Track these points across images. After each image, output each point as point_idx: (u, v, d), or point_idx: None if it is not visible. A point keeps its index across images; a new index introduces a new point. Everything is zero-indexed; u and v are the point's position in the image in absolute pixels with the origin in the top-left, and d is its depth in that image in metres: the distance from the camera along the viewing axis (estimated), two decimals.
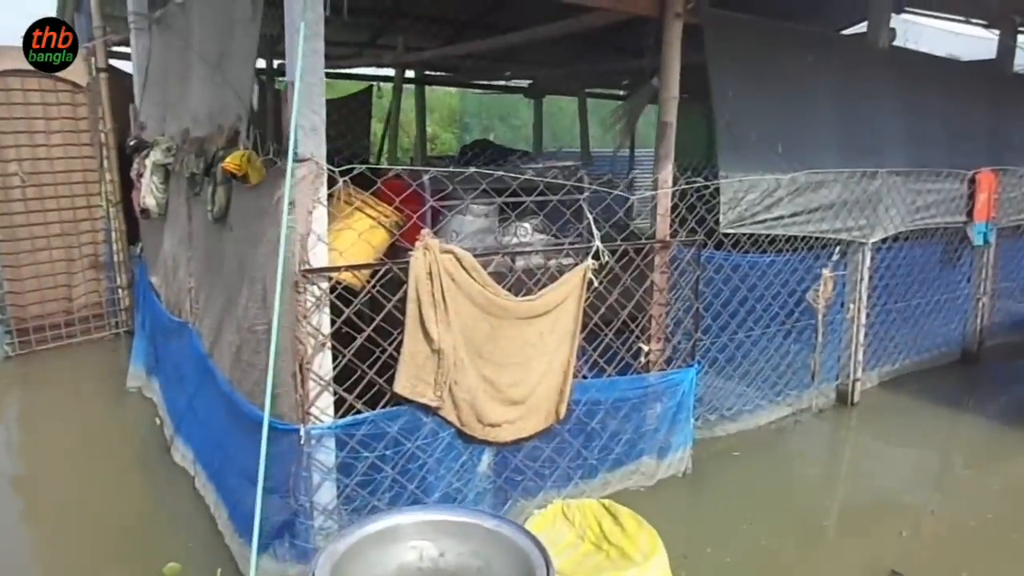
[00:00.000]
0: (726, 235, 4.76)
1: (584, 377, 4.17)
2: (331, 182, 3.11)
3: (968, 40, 8.14)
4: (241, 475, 3.57)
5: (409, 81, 10.57)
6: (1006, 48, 7.07)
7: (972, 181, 6.69)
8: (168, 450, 4.63)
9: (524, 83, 11.64)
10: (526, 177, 3.61)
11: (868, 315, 6.07)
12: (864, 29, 6.14)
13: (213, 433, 3.96)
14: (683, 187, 4.36)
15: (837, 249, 5.56)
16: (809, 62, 5.22)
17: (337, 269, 3.15)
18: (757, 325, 5.17)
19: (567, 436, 4.08)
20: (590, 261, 3.91)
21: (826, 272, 5.40)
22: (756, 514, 4.33)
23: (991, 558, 3.97)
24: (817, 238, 5.38)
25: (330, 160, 3.14)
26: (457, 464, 3.71)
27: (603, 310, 4.11)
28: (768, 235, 5.05)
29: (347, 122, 9.10)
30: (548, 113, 15.56)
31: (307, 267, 3.04)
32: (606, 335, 4.17)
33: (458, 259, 3.47)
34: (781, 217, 5.03)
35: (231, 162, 3.32)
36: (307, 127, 2.98)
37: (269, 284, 3.19)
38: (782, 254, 5.16)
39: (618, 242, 4.09)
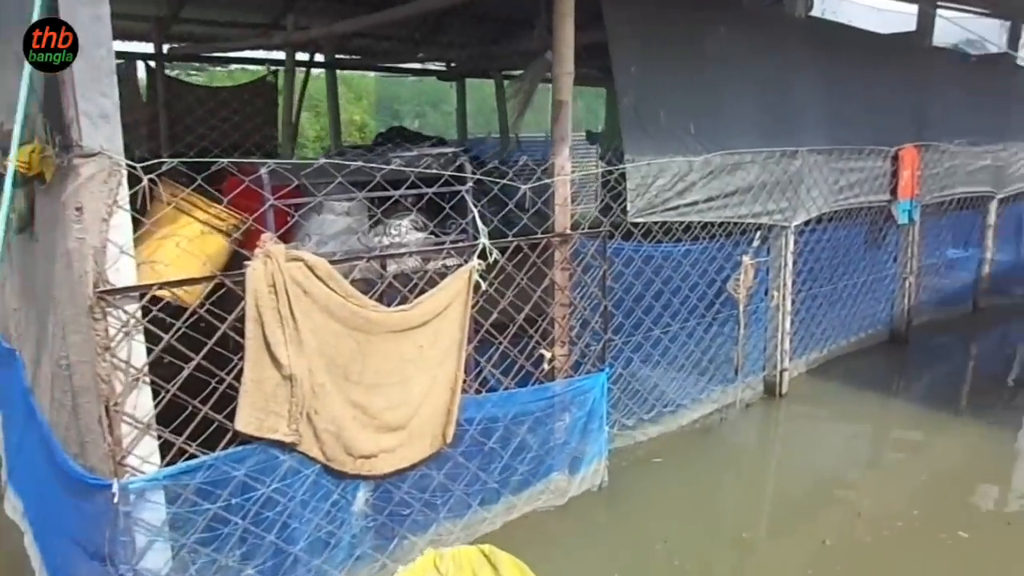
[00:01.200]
0: (635, 224, 4.33)
1: (478, 392, 3.69)
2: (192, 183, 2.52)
3: (887, 16, 7.92)
4: (63, 536, 3.00)
5: (318, 65, 9.89)
6: (925, 19, 6.84)
7: (895, 158, 6.45)
8: (1, 499, 3.98)
9: (442, 66, 11.09)
10: (392, 168, 3.09)
11: (794, 302, 5.77)
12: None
13: (37, 484, 3.34)
14: (581, 174, 3.90)
15: (758, 234, 5.21)
16: (721, 33, 4.82)
17: (146, 288, 2.58)
18: (675, 320, 4.78)
19: (461, 459, 3.60)
20: (476, 261, 3.42)
21: (746, 259, 5.04)
22: (674, 529, 3.95)
23: (915, 563, 3.67)
24: (736, 224, 5.02)
25: (226, 154, 2.56)
26: (326, 505, 3.19)
27: (495, 315, 3.63)
28: (682, 222, 4.66)
29: (245, 113, 8.35)
30: (481, 98, 15.04)
31: (105, 287, 2.46)
32: (501, 343, 3.70)
33: (310, 267, 2.93)
34: (695, 202, 4.64)
35: (20, 159, 2.71)
36: (94, 114, 2.40)
37: (65, 307, 2.61)
38: (698, 242, 4.78)
39: (509, 238, 3.61)
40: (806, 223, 5.69)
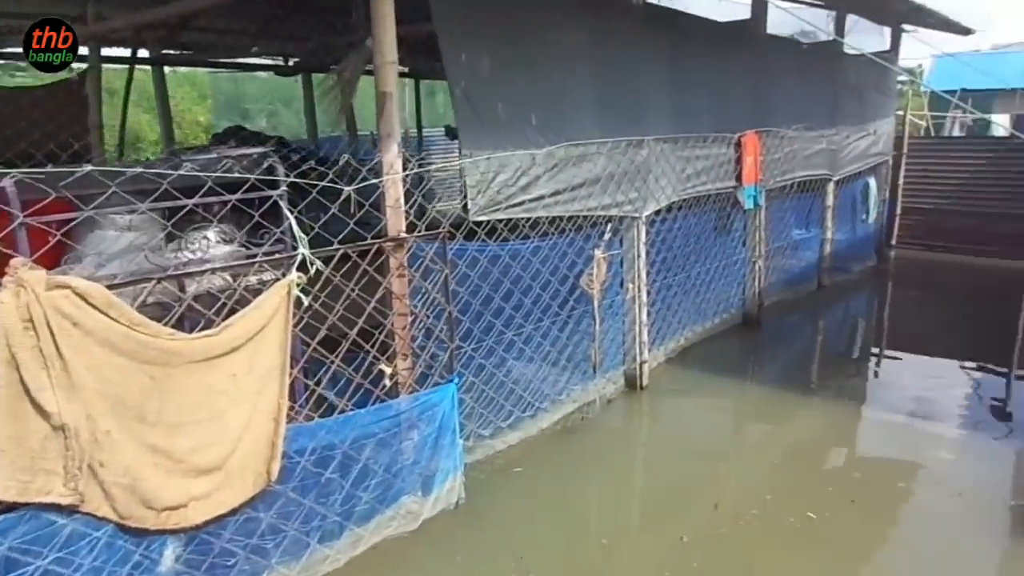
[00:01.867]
0: (478, 223, 4.09)
1: (310, 418, 3.33)
2: None
3: (724, 3, 8.11)
4: None
5: (142, 61, 9.01)
6: (759, 7, 7.03)
7: (738, 145, 6.60)
8: None
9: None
10: (181, 174, 2.66)
11: (649, 292, 5.75)
12: None
13: None
14: (414, 172, 3.61)
15: (609, 227, 5.12)
16: (558, 20, 4.66)
17: None
18: (528, 320, 4.59)
19: (294, 495, 3.23)
20: (295, 274, 3.06)
21: (598, 253, 4.93)
22: (532, 541, 3.77)
23: (768, 550, 3.67)
24: (585, 217, 4.90)
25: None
26: (126, 570, 2.74)
27: (323, 332, 3.28)
28: (529, 219, 4.47)
29: (51, 116, 7.41)
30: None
31: None
32: (332, 362, 3.35)
33: (80, 295, 2.47)
34: (541, 197, 4.46)
35: None
36: None
37: None
38: (547, 238, 4.61)
39: (335, 246, 3.26)
40: (657, 213, 5.68)
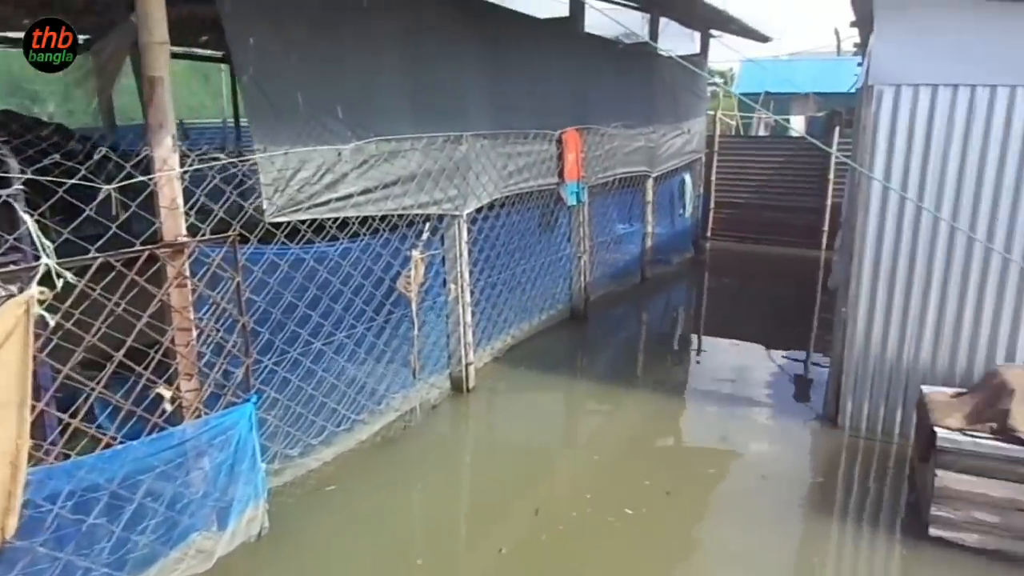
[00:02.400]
0: (277, 225, 3.73)
1: (66, 456, 2.84)
2: None
3: (544, 3, 8.14)
4: None
5: None
6: (577, 5, 7.10)
7: (559, 141, 6.63)
8: None
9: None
10: None
11: (473, 292, 5.62)
12: None
13: None
14: (194, 168, 3.19)
15: (427, 226, 4.91)
16: (366, 7, 4.36)
17: None
18: (339, 328, 4.28)
19: (44, 550, 2.74)
20: (35, 289, 2.57)
21: (416, 254, 4.71)
22: (343, 569, 3.50)
23: (586, 552, 3.64)
24: (401, 216, 4.65)
25: None
26: None
27: (79, 355, 2.80)
28: (337, 219, 4.15)
29: None
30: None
31: None
32: (93, 390, 2.88)
33: None
34: (350, 196, 4.16)
35: None
36: None
37: None
38: (358, 240, 4.31)
39: (91, 254, 2.79)
40: (479, 210, 5.55)
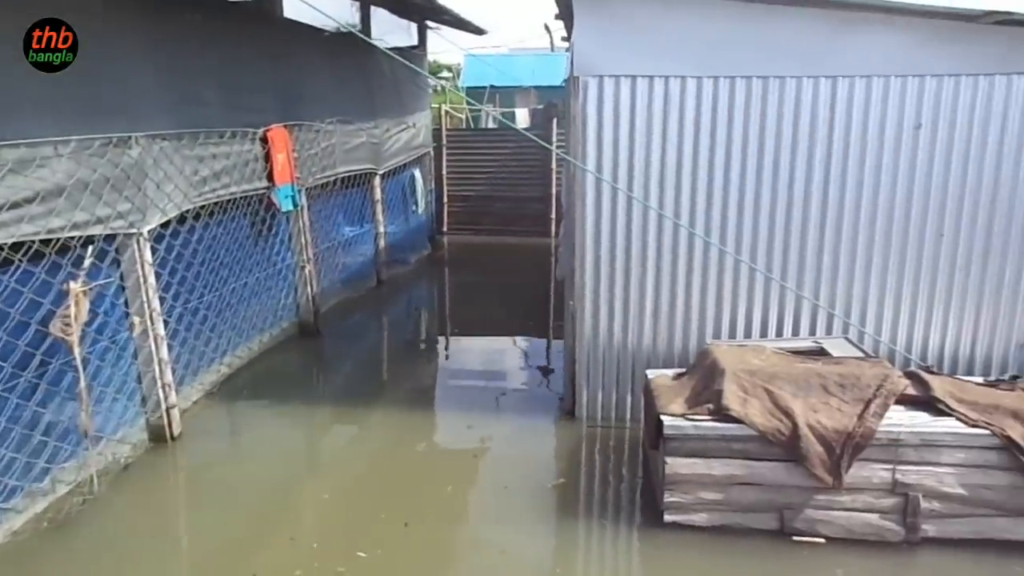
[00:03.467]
0: None
1: None
2: None
3: None
4: None
5: None
6: None
7: (264, 140, 5.89)
8: None
9: None
10: None
11: (168, 322, 4.73)
12: None
13: None
14: None
15: (90, 250, 3.97)
16: None
17: None
18: None
19: None
20: None
21: (75, 286, 3.76)
22: None
23: None
24: (46, 242, 3.67)
25: None
26: None
27: None
28: None
29: None
30: None
31: None
32: None
33: None
34: None
35: None
36: None
37: None
38: None
39: None
40: (165, 225, 4.67)
